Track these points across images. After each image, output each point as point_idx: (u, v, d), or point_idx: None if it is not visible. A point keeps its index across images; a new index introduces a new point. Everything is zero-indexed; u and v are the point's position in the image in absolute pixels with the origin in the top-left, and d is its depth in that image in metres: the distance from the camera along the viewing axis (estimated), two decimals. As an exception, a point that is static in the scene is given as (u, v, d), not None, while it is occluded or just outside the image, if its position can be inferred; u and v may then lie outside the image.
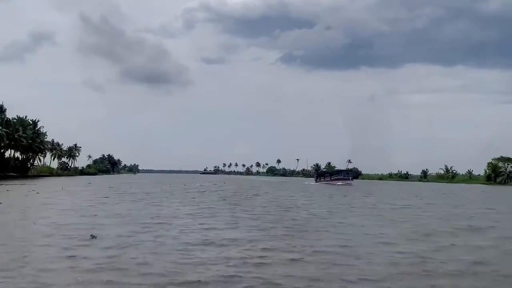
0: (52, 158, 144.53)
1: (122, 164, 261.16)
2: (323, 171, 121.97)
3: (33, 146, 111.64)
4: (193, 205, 28.86)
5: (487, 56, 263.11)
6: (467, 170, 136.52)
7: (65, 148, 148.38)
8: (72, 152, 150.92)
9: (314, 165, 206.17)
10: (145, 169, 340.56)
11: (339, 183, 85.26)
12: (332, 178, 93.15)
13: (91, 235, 14.98)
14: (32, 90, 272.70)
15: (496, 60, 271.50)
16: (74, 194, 39.70)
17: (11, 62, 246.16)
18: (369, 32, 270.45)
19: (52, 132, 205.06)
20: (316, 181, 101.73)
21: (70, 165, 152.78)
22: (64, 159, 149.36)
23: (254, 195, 43.18)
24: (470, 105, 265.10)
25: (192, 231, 16.88)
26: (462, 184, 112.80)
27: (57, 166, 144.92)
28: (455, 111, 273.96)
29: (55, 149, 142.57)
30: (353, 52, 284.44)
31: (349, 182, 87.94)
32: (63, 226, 17.65)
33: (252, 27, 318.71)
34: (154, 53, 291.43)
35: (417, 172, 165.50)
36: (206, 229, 17.54)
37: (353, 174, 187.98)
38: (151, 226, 17.87)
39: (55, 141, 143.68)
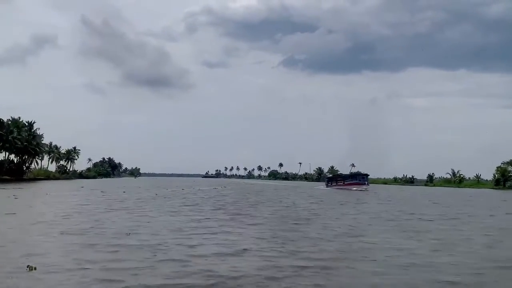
0: (50, 161, 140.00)
1: (123, 168, 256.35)
2: (335, 174, 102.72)
3: (29, 149, 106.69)
4: (185, 216, 23.67)
5: (489, 60, 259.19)
6: (475, 175, 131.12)
7: (63, 151, 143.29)
8: (71, 155, 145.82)
9: (317, 168, 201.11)
10: (147, 172, 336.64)
11: (354, 188, 76.47)
12: (345, 183, 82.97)
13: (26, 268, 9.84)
14: (33, 93, 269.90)
15: (498, 64, 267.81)
16: (55, 200, 34.69)
17: (13, 65, 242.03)
18: (371, 36, 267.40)
19: (53, 135, 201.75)
20: (327, 185, 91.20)
21: (68, 168, 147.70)
22: (62, 162, 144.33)
23: (259, 202, 36.97)
24: (472, 109, 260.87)
25: (171, 260, 11.72)
26: (472, 189, 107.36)
27: (55, 170, 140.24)
28: (458, 115, 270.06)
29: (53, 152, 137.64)
30: (355, 56, 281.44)
31: (365, 187, 78.17)
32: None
33: (254, 30, 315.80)
34: (156, 56, 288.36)
35: (421, 176, 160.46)
36: (193, 255, 12.39)
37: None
38: (119, 249, 12.78)
39: (53, 143, 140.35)
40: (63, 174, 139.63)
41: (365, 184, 79.41)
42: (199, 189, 64.61)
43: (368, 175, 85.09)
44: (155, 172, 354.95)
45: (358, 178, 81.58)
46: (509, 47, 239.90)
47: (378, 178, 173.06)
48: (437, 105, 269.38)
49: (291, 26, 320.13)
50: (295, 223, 21.21)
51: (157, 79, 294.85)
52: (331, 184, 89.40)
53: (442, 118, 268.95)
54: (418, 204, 40.74)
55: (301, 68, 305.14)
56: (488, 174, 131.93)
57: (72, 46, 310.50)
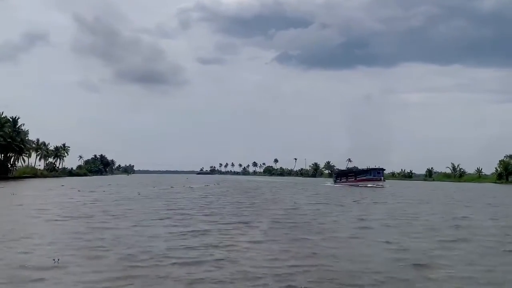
0: (38, 158, 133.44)
1: (117, 165, 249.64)
2: (345, 169, 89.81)
3: (13, 145, 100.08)
4: (162, 227, 17.63)
5: (483, 55, 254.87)
6: (476, 169, 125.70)
7: (51, 148, 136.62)
8: (59, 152, 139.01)
9: (312, 164, 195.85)
10: (141, 169, 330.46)
11: (369, 184, 67.85)
12: (357, 178, 73.14)
13: None
14: (26, 91, 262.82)
15: (492, 58, 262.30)
16: (10, 203, 28.57)
17: (4, 62, 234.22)
18: (365, 31, 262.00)
19: (45, 132, 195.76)
20: (335, 181, 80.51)
21: (57, 165, 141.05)
22: (50, 160, 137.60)
23: (262, 208, 27.57)
24: (467, 104, 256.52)
25: None
26: (475, 184, 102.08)
27: (43, 167, 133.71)
28: (452, 110, 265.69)
29: (41, 148, 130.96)
30: (349, 51, 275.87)
31: (381, 183, 69.40)
32: None
33: (247, 26, 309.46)
34: (150, 53, 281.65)
35: (418, 171, 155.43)
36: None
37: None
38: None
39: (42, 140, 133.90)
40: (52, 171, 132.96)
41: (380, 179, 70.76)
42: (190, 187, 58.63)
43: (384, 169, 75.62)
44: (150, 169, 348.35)
45: (373, 173, 71.98)
46: (503, 41, 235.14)
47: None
48: (432, 101, 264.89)
49: (285, 21, 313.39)
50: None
51: (151, 76, 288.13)
52: (341, 180, 79.41)
53: (437, 113, 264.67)
54: (459, 204, 34.88)
55: (295, 64, 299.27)
56: (486, 169, 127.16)
57: (65, 43, 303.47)
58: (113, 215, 21.16)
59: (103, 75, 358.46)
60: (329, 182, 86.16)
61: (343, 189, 58.87)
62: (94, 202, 29.66)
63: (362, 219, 21.39)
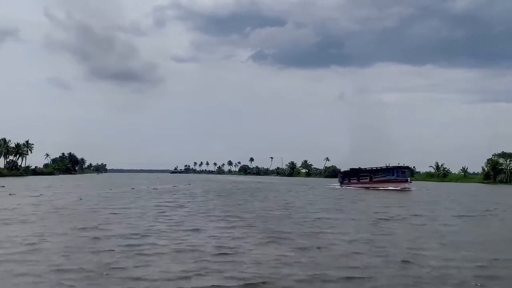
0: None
1: (88, 164, 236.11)
2: (355, 168, 64.93)
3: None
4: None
5: (455, 56, 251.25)
6: (461, 168, 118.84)
7: (12, 145, 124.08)
8: (21, 149, 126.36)
9: (289, 163, 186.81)
10: (114, 168, 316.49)
11: (391, 186, 53.75)
12: (374, 179, 58.17)
13: None
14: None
15: (464, 59, 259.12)
16: None
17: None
18: (340, 30, 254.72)
19: (14, 131, 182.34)
20: (341, 183, 63.87)
21: (20, 164, 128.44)
22: (11, 157, 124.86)
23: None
24: (438, 104, 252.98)
25: None
26: (463, 184, 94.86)
27: (4, 166, 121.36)
28: (424, 110, 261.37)
29: (0, 145, 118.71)
30: (324, 51, 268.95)
31: (406, 185, 54.84)
32: None
33: (223, 25, 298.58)
34: (124, 50, 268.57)
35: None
36: None
37: (332, 172, 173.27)
38: None
39: (4, 138, 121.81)
40: (12, 170, 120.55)
41: (406, 181, 55.87)
42: (154, 188, 48.75)
43: (409, 168, 60.85)
44: (123, 168, 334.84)
45: (396, 173, 55.97)
46: (475, 42, 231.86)
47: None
48: (406, 101, 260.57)
49: (260, 20, 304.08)
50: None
51: (125, 74, 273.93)
52: (349, 181, 62.62)
53: (411, 113, 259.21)
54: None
55: (270, 63, 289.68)
56: (454, 168, 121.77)
57: (36, 40, 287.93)
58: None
59: (76, 72, 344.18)
60: (334, 183, 69.74)
61: (360, 194, 44.63)
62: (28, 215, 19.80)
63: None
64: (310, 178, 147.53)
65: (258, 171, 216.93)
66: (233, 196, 37.01)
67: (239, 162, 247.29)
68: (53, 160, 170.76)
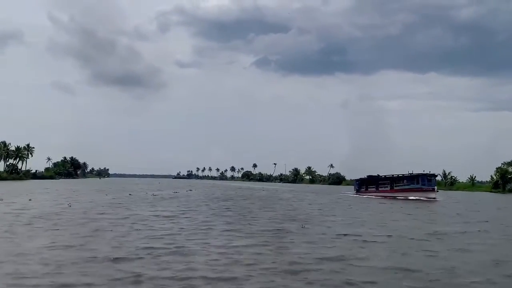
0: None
1: (90, 168, 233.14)
2: (373, 175, 59.76)
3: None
4: None
5: (459, 64, 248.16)
6: (469, 176, 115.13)
7: (12, 148, 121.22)
8: (21, 152, 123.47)
9: (293, 169, 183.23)
10: (117, 173, 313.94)
11: (415, 196, 48.54)
12: (396, 188, 53.16)
13: None
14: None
15: (467, 67, 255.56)
16: None
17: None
18: (343, 37, 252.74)
19: (16, 134, 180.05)
20: (357, 191, 59.89)
21: (20, 167, 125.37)
22: (11, 161, 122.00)
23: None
24: (441, 112, 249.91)
25: None
26: (476, 193, 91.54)
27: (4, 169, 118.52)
28: (428, 118, 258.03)
29: (0, 148, 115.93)
30: (328, 58, 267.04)
31: (432, 195, 48.95)
32: None
33: (226, 30, 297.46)
34: (127, 55, 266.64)
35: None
36: None
37: (336, 179, 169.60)
38: None
39: (4, 141, 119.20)
40: (12, 174, 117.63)
41: (433, 190, 49.94)
42: (152, 194, 45.72)
43: (436, 175, 55.81)
44: (126, 173, 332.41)
45: (422, 181, 50.39)
46: (478, 50, 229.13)
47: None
48: (409, 108, 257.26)
49: (264, 26, 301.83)
50: None
51: (128, 78, 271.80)
52: (367, 189, 58.07)
53: (415, 121, 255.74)
54: None
55: (274, 69, 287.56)
56: (461, 177, 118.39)
57: (40, 44, 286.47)
58: None
59: (80, 77, 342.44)
60: (349, 192, 65.15)
61: (382, 203, 40.47)
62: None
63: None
64: (314, 185, 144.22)
65: (261, 178, 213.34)
66: (237, 205, 33.91)
67: (242, 168, 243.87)
68: (55, 164, 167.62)
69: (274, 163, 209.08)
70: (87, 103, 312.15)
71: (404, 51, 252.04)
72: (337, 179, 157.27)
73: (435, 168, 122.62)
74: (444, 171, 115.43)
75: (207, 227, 18.17)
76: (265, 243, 14.21)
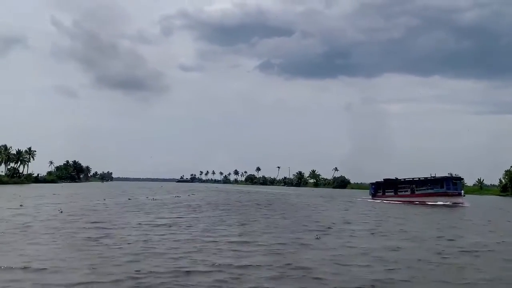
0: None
1: (93, 172, 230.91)
2: (391, 179, 56.19)
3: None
4: None
5: (463, 67, 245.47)
6: (477, 180, 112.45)
7: (13, 152, 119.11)
8: (22, 156, 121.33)
9: (297, 173, 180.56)
10: (121, 177, 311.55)
11: (440, 201, 44.55)
12: (417, 192, 48.65)
13: None
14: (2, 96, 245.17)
15: (471, 70, 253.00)
16: None
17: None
18: (347, 40, 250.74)
19: (19, 138, 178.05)
20: (373, 195, 55.70)
21: (21, 171, 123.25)
22: (12, 165, 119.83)
23: None
24: (445, 115, 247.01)
25: None
26: (487, 196, 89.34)
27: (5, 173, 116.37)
28: (431, 121, 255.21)
29: (0, 152, 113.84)
30: (331, 61, 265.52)
31: (460, 200, 45.48)
32: None
33: (229, 34, 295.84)
34: (131, 59, 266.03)
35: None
36: None
37: (341, 182, 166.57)
38: None
39: (5, 144, 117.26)
40: (13, 177, 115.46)
41: (459, 194, 46.38)
42: (152, 199, 43.29)
43: (462, 179, 51.52)
44: (129, 177, 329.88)
45: (446, 185, 46.17)
46: (482, 53, 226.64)
47: (363, 184, 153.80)
48: (413, 111, 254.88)
49: (267, 30, 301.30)
50: None
51: (131, 82, 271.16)
52: (384, 193, 53.86)
53: (419, 124, 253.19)
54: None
55: (277, 73, 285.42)
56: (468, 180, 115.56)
57: (43, 48, 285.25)
58: None
59: (83, 80, 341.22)
60: (364, 196, 62.25)
61: (405, 209, 37.29)
62: None
63: None
64: (320, 188, 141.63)
65: (265, 181, 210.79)
66: (242, 211, 31.46)
67: (245, 172, 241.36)
68: (57, 168, 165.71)
69: (278, 167, 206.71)
70: (90, 106, 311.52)
71: (407, 54, 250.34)
72: (341, 183, 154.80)
73: (440, 172, 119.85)
74: (451, 174, 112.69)
75: (208, 236, 15.75)
76: (270, 264, 11.74)
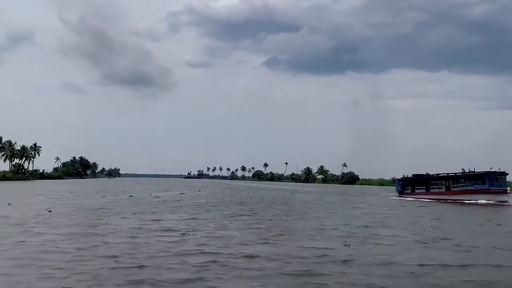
0: (4, 159, 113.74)
1: (100, 168, 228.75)
2: (421, 174, 50.76)
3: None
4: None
5: (471, 62, 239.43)
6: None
7: (18, 148, 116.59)
8: (27, 152, 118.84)
9: (305, 169, 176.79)
10: (128, 173, 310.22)
11: (482, 199, 39.73)
12: (454, 189, 43.65)
13: None
14: (10, 93, 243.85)
15: (479, 66, 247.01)
16: None
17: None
18: (354, 36, 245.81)
19: (26, 134, 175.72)
20: (401, 193, 50.81)
21: (26, 167, 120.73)
22: (16, 160, 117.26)
23: None
24: (454, 111, 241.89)
25: None
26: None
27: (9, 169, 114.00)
28: (440, 116, 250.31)
29: (4, 148, 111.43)
30: (339, 57, 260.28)
31: (505, 197, 39.78)
32: None
33: (236, 30, 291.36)
34: (138, 55, 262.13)
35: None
36: None
37: (349, 178, 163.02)
38: None
39: (11, 140, 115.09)
40: (18, 174, 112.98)
41: (506, 192, 40.46)
42: (156, 196, 40.30)
43: (507, 173, 44.18)
44: (137, 173, 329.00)
45: (489, 180, 41.02)
46: (490, 48, 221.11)
47: (373, 179, 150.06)
48: (421, 107, 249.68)
49: (274, 26, 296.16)
50: None
51: (138, 79, 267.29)
52: (413, 190, 49.27)
53: (427, 120, 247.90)
54: None
55: (284, 69, 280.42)
56: None
57: (51, 44, 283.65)
58: None
59: (90, 77, 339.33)
60: (388, 192, 57.85)
61: (446, 208, 33.25)
62: None
63: None
64: (330, 184, 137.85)
65: (272, 177, 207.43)
66: (252, 209, 28.38)
67: (252, 168, 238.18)
68: (64, 164, 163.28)
69: (286, 162, 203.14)
70: (97, 103, 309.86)
71: (415, 50, 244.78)
72: (350, 179, 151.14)
73: (452, 167, 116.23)
74: (463, 170, 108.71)
75: (213, 242, 12.65)
76: None
